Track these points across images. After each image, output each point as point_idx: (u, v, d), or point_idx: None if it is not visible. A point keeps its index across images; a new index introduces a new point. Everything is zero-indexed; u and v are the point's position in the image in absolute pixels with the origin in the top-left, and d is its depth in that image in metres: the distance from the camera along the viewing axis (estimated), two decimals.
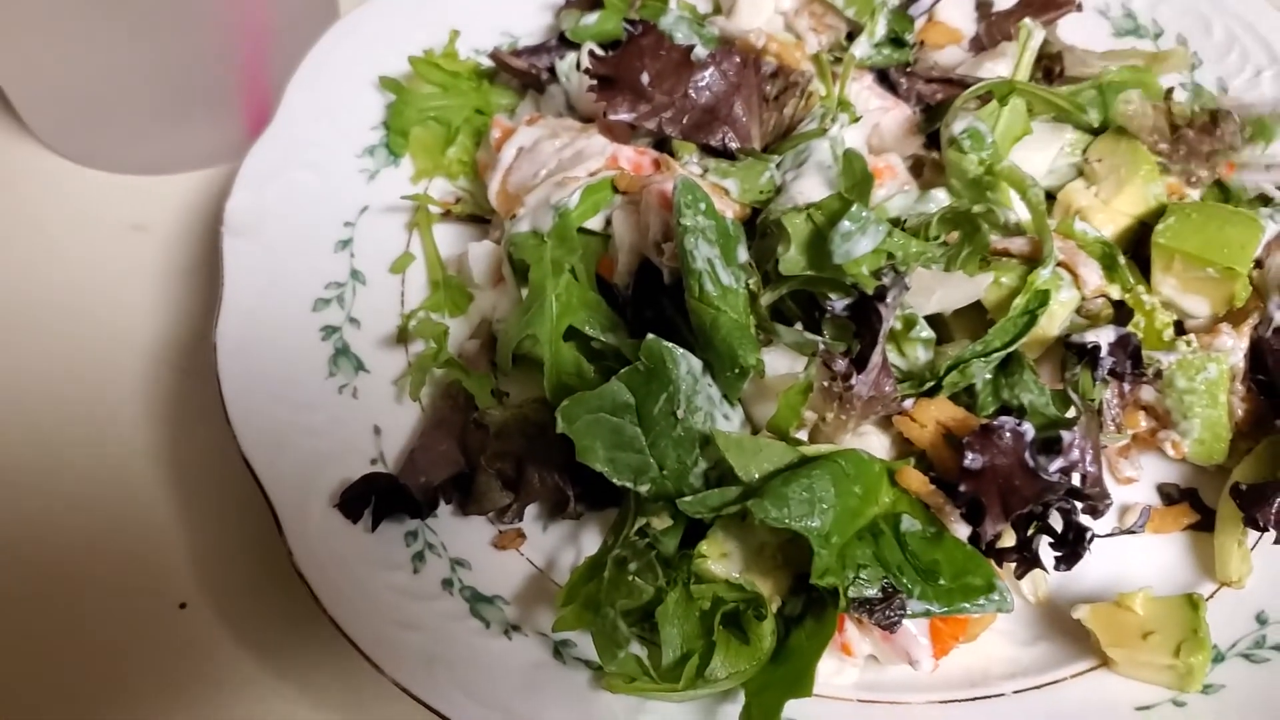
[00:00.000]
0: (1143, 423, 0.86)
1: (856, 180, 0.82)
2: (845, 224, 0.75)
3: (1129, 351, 0.78)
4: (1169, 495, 0.87)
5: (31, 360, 0.97)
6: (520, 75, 1.02)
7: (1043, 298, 0.78)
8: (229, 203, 0.91)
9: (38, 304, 1.00)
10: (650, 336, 0.76)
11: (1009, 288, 0.80)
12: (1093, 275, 0.82)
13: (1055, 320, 0.81)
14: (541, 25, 1.09)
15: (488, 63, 1.05)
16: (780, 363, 0.81)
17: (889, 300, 0.74)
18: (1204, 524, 0.85)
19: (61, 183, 1.08)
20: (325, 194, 0.96)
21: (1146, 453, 0.87)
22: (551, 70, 1.01)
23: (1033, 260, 0.80)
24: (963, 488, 0.73)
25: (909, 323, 0.78)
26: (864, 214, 0.76)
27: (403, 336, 0.90)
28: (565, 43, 1.02)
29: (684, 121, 0.88)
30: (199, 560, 0.86)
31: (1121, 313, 0.81)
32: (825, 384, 0.78)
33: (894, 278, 0.75)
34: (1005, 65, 0.99)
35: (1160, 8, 1.11)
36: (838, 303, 0.77)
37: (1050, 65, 1.00)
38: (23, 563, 0.85)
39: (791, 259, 0.78)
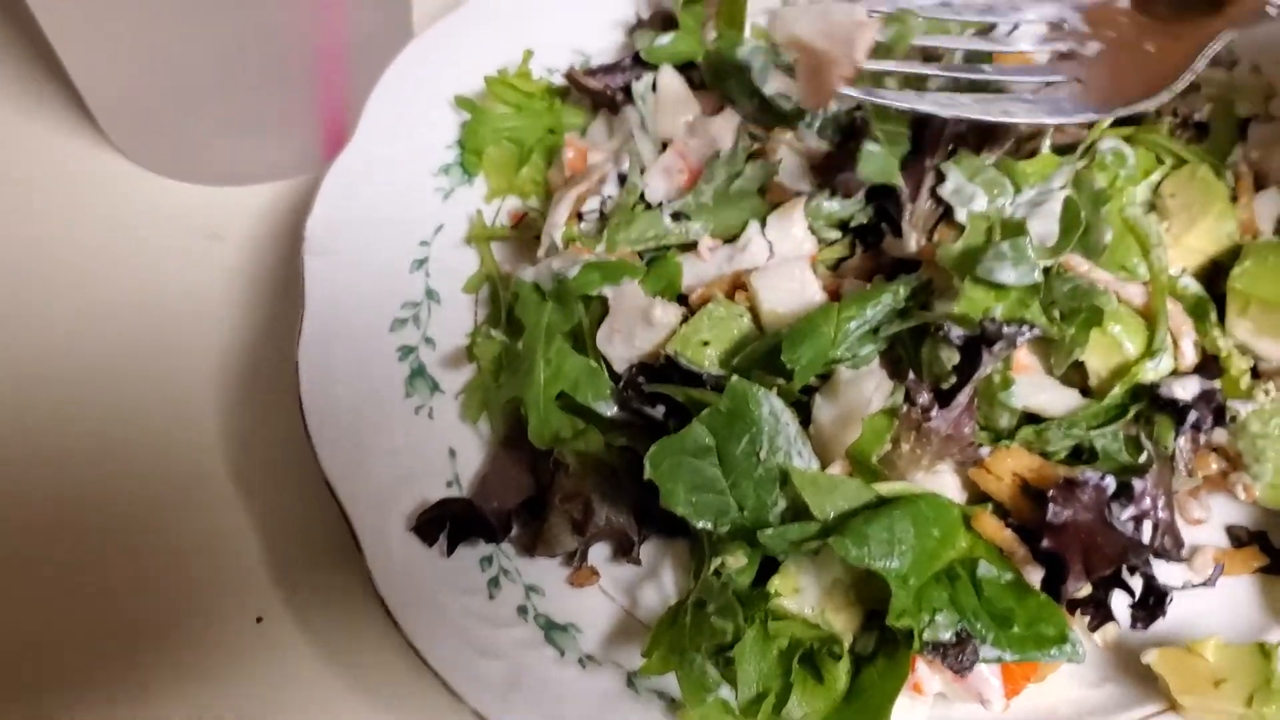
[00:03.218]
0: (1213, 465, 0.86)
1: (1065, 225, 0.81)
2: (1004, 246, 0.77)
3: (1212, 407, 0.78)
4: (1238, 537, 0.87)
5: (108, 368, 0.98)
6: (595, 95, 1.02)
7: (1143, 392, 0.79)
8: (309, 221, 0.92)
9: (115, 310, 1.02)
10: (735, 378, 0.77)
11: (1110, 366, 0.81)
12: (1190, 349, 0.82)
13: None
14: (614, 43, 1.09)
15: (560, 80, 1.06)
16: (864, 386, 0.80)
17: (995, 350, 0.75)
18: (1274, 567, 0.84)
19: (138, 190, 1.10)
20: (402, 213, 0.97)
21: (1216, 493, 0.87)
22: (626, 90, 1.00)
23: (1144, 316, 0.81)
24: (1045, 543, 0.73)
25: (1005, 383, 0.79)
26: (1029, 250, 0.77)
27: (473, 356, 0.91)
28: (640, 63, 1.02)
29: None
30: (276, 573, 0.88)
31: (1208, 367, 0.80)
32: (906, 411, 0.78)
33: (1011, 331, 0.75)
34: None
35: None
36: (954, 329, 0.77)
37: None
38: (98, 574, 0.87)
39: (951, 251, 0.80)
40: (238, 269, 1.04)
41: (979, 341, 0.76)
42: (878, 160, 0.86)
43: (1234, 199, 0.91)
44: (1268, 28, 1.08)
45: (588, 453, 0.82)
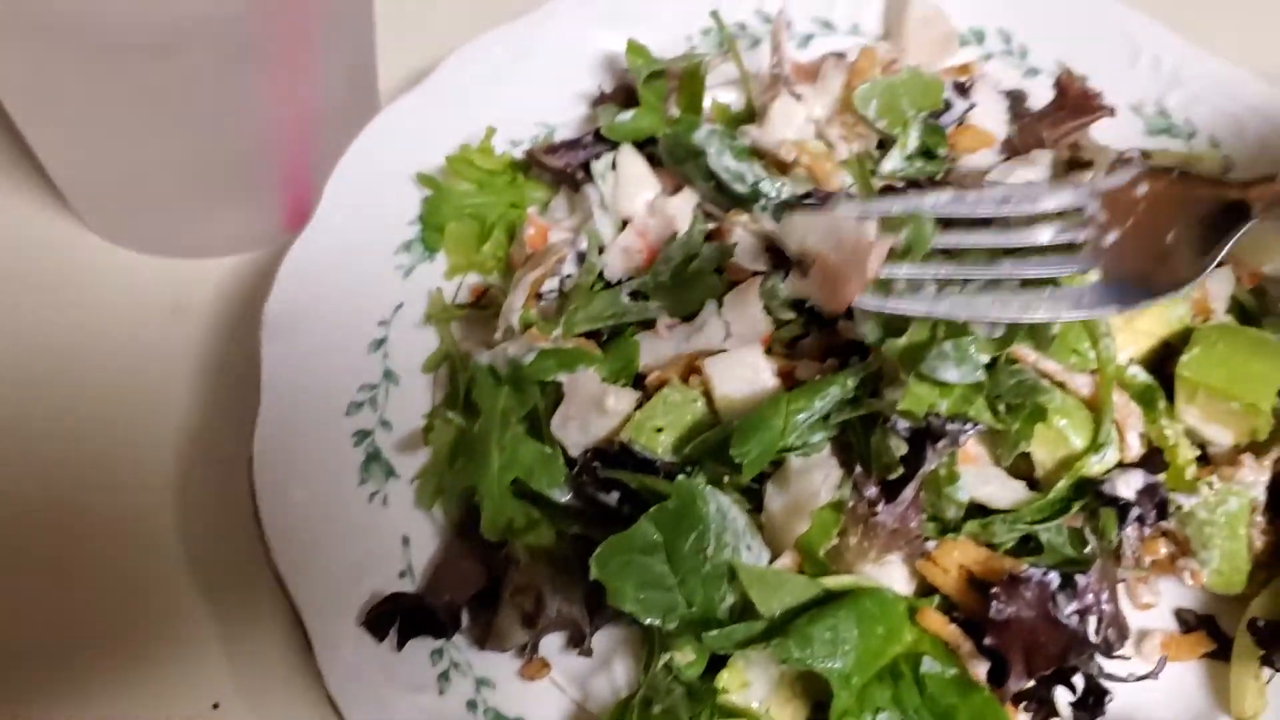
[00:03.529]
0: (1162, 549, 0.86)
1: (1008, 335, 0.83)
2: (948, 346, 0.78)
3: (1155, 501, 0.78)
4: (1186, 621, 0.87)
5: (64, 446, 0.98)
6: (555, 173, 1.03)
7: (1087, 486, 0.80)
8: (267, 305, 0.92)
9: (73, 386, 1.01)
10: (681, 477, 0.78)
11: (1056, 458, 0.82)
12: (1135, 441, 0.83)
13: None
14: (578, 116, 1.09)
15: (523, 154, 1.06)
16: (813, 478, 0.81)
17: (939, 447, 0.76)
18: (1221, 652, 0.85)
19: (100, 262, 1.09)
20: (362, 292, 0.97)
21: (1165, 577, 0.88)
22: (586, 168, 1.01)
23: (1091, 408, 0.82)
24: (988, 640, 0.74)
25: (951, 478, 0.79)
26: (971, 350, 0.78)
27: (429, 440, 0.92)
28: (601, 139, 1.02)
29: None
30: (232, 660, 0.88)
31: (1154, 462, 0.81)
32: (853, 505, 0.79)
33: (955, 429, 0.77)
34: (1037, 174, 1.00)
35: (1193, 107, 1.10)
36: (900, 422, 0.78)
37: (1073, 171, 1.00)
38: (50, 658, 0.88)
39: (895, 347, 0.80)
40: (200, 343, 1.04)
41: (924, 436, 0.77)
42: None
43: None
44: (1225, 95, 1.11)
45: (539, 546, 0.82)
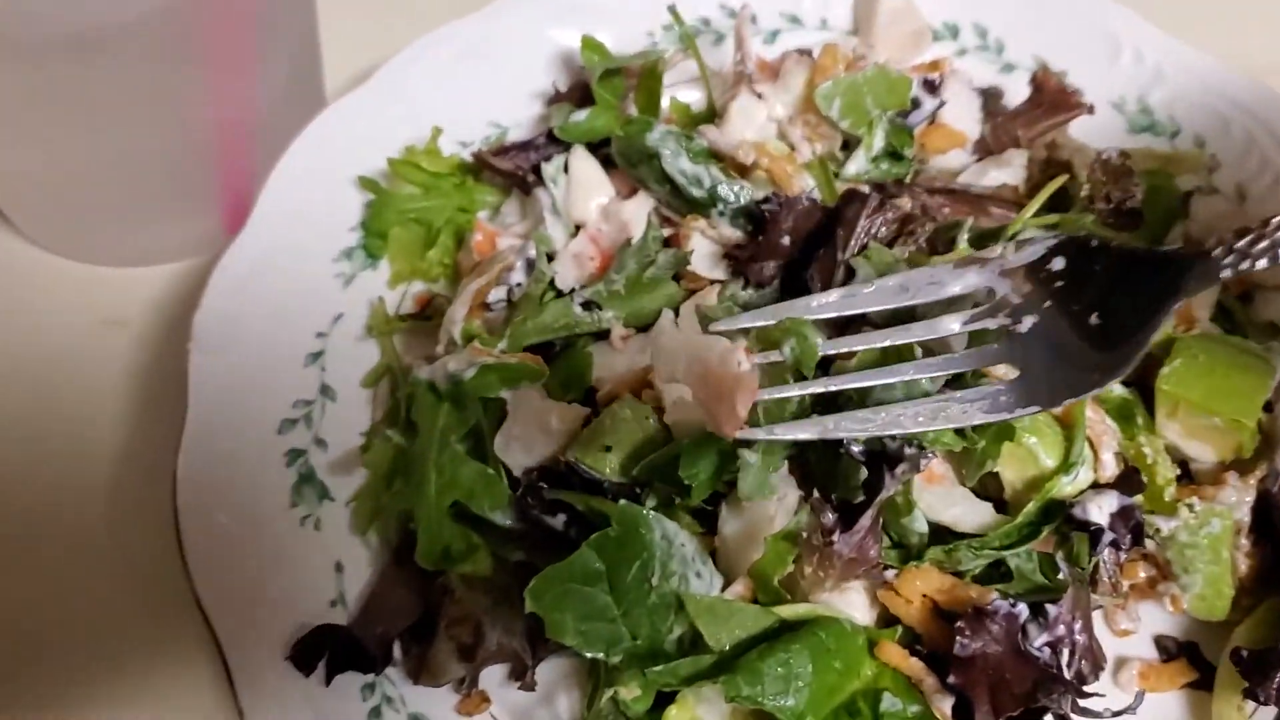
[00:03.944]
0: (1142, 573, 0.82)
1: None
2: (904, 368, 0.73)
3: (1130, 526, 0.74)
4: (1167, 649, 0.83)
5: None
6: (505, 176, 0.98)
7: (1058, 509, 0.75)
8: (196, 316, 0.88)
9: (3, 394, 0.97)
10: (623, 502, 0.73)
11: (1025, 478, 0.77)
12: (1110, 460, 0.78)
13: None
14: (531, 116, 1.05)
15: (471, 156, 1.01)
16: (769, 501, 0.76)
17: (897, 473, 0.71)
18: (1203, 683, 0.80)
19: (35, 271, 1.05)
20: (298, 302, 0.92)
21: (1145, 601, 0.83)
22: (538, 170, 0.96)
23: (1063, 424, 0.77)
24: (952, 678, 0.70)
25: (909, 506, 0.75)
26: (926, 381, 0.73)
27: (365, 460, 0.87)
28: (554, 140, 0.98)
29: None
30: (154, 691, 0.83)
31: (1129, 482, 0.76)
32: (806, 535, 0.75)
33: (914, 453, 0.71)
34: (1012, 174, 0.96)
35: (1177, 104, 1.05)
36: (856, 446, 0.73)
37: (1050, 172, 0.95)
38: None
39: (846, 368, 0.75)
40: (135, 355, 0.99)
41: (880, 460, 0.72)
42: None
43: None
44: (1210, 92, 1.06)
45: (477, 576, 0.78)
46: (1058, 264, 0.76)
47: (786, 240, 0.87)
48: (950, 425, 0.71)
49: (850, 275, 0.83)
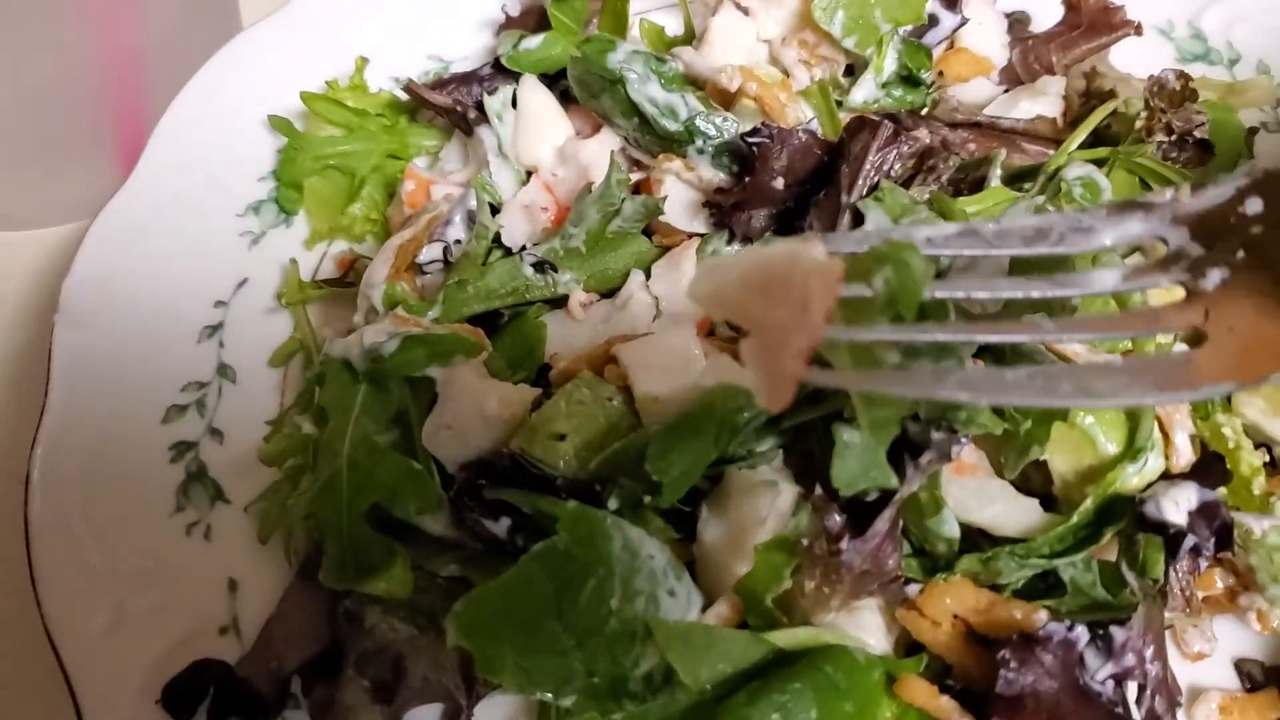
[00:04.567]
0: (1219, 582, 0.70)
1: None
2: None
3: (1214, 526, 0.60)
4: (1251, 676, 0.71)
5: None
6: (443, 113, 0.85)
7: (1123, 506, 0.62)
8: (65, 283, 0.77)
9: None
10: (573, 504, 0.60)
11: (1080, 468, 0.64)
12: (1186, 444, 0.65)
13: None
14: (480, 47, 0.94)
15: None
16: (759, 502, 0.65)
17: (922, 462, 0.57)
18: None
19: None
20: (193, 265, 0.81)
21: (1223, 616, 0.71)
22: (480, 107, 0.84)
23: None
24: None
25: (936, 506, 0.62)
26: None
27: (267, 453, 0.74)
28: (501, 70, 0.86)
29: None
30: None
31: (1211, 471, 0.63)
32: (807, 541, 0.61)
33: (943, 438, 0.57)
34: (1048, 105, 0.83)
35: (1236, 27, 0.95)
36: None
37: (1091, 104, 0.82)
38: None
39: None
40: (9, 336, 0.86)
41: (901, 447, 0.58)
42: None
43: None
44: (1276, 17, 0.92)
45: (395, 598, 0.64)
46: (1253, 206, 0.60)
47: (779, 182, 0.76)
48: (1112, 403, 0.59)
49: (858, 221, 0.68)
